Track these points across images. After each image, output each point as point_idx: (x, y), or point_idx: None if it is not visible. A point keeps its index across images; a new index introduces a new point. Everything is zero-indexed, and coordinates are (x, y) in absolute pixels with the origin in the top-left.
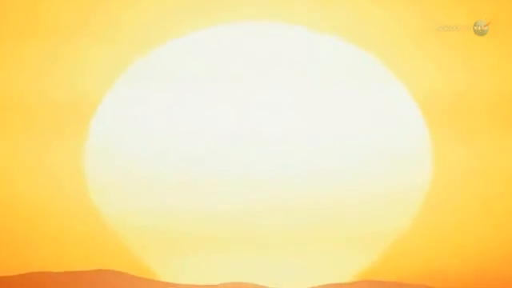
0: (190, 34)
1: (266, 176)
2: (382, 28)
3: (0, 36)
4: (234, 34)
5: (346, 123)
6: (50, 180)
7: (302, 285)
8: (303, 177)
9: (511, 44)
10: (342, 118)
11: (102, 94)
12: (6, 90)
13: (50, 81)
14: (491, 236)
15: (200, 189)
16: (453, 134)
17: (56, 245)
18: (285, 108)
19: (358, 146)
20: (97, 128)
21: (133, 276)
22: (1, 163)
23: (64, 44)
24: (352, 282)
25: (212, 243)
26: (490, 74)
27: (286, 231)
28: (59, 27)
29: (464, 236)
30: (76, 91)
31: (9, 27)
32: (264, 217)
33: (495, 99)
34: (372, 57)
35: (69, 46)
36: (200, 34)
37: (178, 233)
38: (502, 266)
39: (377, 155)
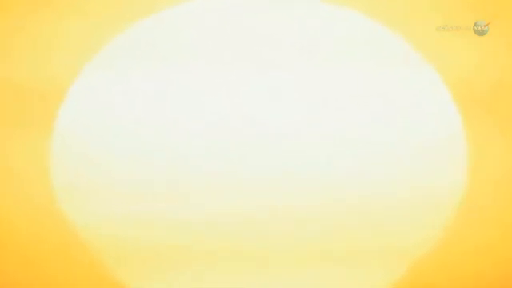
0: (179, 4)
1: (269, 177)
2: (407, 4)
3: None
4: (234, 5)
5: (365, 114)
6: (8, 183)
7: None
8: (313, 178)
9: None
10: (361, 108)
11: (71, 77)
12: None
13: (7, 63)
14: None
15: (191, 192)
16: (493, 127)
17: (17, 261)
18: (293, 96)
19: (378, 141)
20: (65, 119)
21: None
22: None
23: (24, 17)
24: None
25: (205, 258)
26: None
27: (293, 243)
28: None
29: (508, 250)
30: (40, 74)
31: None
32: (266, 226)
33: None
34: (395, 36)
35: (30, 20)
36: (193, 4)
37: (165, 245)
38: None
39: (401, 152)
